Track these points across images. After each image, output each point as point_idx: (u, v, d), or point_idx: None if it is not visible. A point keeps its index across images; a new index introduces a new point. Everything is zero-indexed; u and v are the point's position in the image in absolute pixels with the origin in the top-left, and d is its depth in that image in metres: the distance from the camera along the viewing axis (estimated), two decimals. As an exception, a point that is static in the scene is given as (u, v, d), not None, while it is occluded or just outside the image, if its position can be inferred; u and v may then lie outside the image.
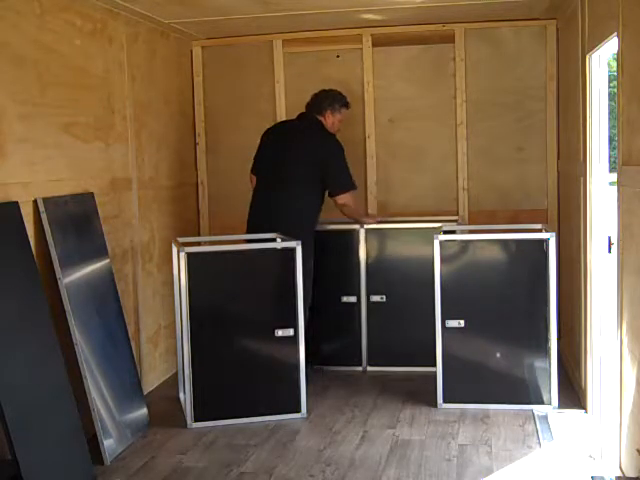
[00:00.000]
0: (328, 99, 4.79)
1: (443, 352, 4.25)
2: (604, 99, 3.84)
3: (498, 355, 4.22)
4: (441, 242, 4.22)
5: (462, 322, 4.23)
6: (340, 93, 4.84)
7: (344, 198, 4.69)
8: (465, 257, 4.28)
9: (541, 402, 4.20)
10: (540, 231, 4.41)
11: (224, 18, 4.84)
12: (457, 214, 5.30)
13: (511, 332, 4.23)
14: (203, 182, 5.64)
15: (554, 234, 4.16)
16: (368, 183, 5.44)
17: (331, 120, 4.79)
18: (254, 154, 4.92)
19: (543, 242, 4.15)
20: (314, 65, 5.48)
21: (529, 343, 4.21)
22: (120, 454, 3.75)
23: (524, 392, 4.22)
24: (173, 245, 4.41)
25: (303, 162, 4.68)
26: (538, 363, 4.19)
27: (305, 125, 4.79)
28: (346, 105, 4.85)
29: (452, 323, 4.23)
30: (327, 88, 4.88)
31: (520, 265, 4.26)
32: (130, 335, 4.26)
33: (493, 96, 5.28)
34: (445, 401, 4.28)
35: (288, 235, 4.35)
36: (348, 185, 4.70)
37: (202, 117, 5.61)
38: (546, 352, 4.17)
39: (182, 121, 5.44)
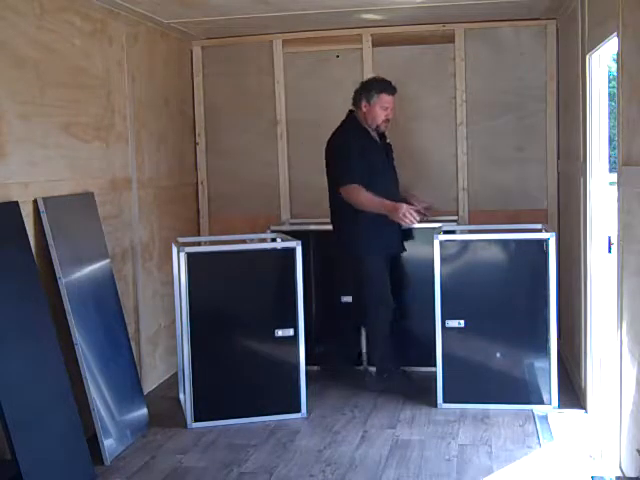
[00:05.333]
0: (361, 89, 4.48)
1: (443, 352, 4.26)
2: (604, 99, 3.84)
3: (498, 355, 4.22)
4: (441, 242, 4.23)
5: (462, 322, 4.24)
6: (378, 79, 4.51)
7: (343, 194, 4.39)
8: (465, 257, 4.28)
9: (541, 402, 4.20)
10: (540, 231, 4.41)
11: (224, 18, 4.84)
12: (457, 214, 5.30)
13: (511, 332, 4.22)
14: (203, 182, 5.64)
15: (554, 234, 4.16)
16: (368, 183, 5.44)
17: (368, 110, 4.44)
18: None
19: (543, 242, 4.15)
20: (314, 65, 5.48)
21: (529, 343, 4.21)
22: (120, 454, 3.75)
23: (524, 392, 4.22)
24: (173, 245, 4.41)
25: (326, 166, 4.61)
26: (538, 363, 4.19)
27: (338, 126, 4.62)
28: (386, 90, 4.42)
29: (452, 323, 4.24)
30: (371, 76, 4.64)
31: (520, 265, 4.25)
32: (130, 335, 4.26)
33: (493, 96, 5.28)
34: (445, 401, 4.28)
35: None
36: (340, 181, 4.40)
37: (202, 117, 5.61)
38: (546, 352, 4.17)
39: (182, 121, 5.44)
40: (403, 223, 4.24)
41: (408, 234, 4.73)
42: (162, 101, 5.08)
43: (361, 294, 4.58)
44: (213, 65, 5.58)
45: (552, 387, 4.18)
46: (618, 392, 3.20)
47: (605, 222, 3.79)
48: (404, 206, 4.22)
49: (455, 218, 5.19)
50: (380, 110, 4.45)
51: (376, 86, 4.45)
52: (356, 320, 4.80)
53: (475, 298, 4.25)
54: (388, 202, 4.29)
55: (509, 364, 4.22)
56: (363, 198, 4.31)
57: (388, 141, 4.70)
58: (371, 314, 4.54)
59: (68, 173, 3.90)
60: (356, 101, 4.51)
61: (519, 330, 4.22)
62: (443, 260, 4.22)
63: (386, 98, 4.45)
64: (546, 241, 4.14)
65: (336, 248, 4.65)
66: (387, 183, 4.51)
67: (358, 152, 4.40)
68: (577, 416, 4.08)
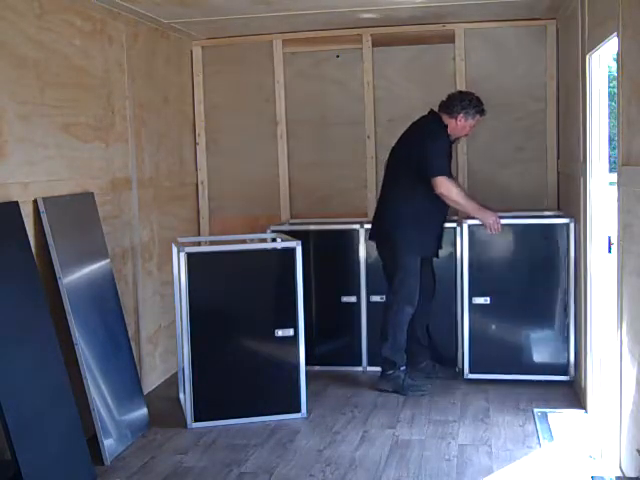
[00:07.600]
0: (463, 102, 4.57)
1: (470, 326, 4.61)
2: (604, 99, 3.84)
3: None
4: (469, 226, 4.58)
5: (488, 299, 4.57)
6: (477, 98, 4.62)
7: (436, 182, 4.43)
8: (490, 240, 4.58)
9: (559, 374, 4.57)
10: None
11: (224, 18, 4.84)
12: (457, 214, 5.29)
13: (533, 308, 4.59)
14: (203, 182, 5.64)
15: (574, 219, 4.40)
16: (368, 183, 5.44)
17: (461, 124, 4.57)
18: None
19: (564, 226, 4.46)
20: (314, 65, 5.48)
21: (550, 318, 4.57)
22: (120, 454, 3.75)
23: (544, 364, 4.59)
24: (173, 245, 4.41)
25: (401, 159, 4.65)
26: (557, 337, 4.57)
27: (416, 123, 4.67)
28: (481, 112, 4.63)
29: (478, 300, 4.57)
30: (464, 90, 4.81)
31: (542, 248, 4.58)
32: (130, 335, 4.26)
33: (493, 96, 5.26)
34: (471, 372, 4.64)
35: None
36: (434, 170, 4.44)
37: (202, 117, 5.61)
38: (565, 327, 4.55)
39: (182, 121, 5.44)
40: (488, 229, 4.53)
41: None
42: (162, 101, 5.08)
43: (391, 287, 4.60)
44: (213, 65, 5.58)
45: (570, 360, 4.55)
46: (618, 392, 3.20)
47: (605, 222, 3.79)
48: (497, 215, 4.54)
49: (455, 218, 5.18)
50: (469, 127, 4.64)
51: (479, 107, 4.61)
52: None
53: (500, 277, 4.59)
54: (480, 205, 4.58)
55: (530, 338, 4.56)
56: (456, 194, 4.50)
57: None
58: (395, 310, 4.55)
59: (68, 173, 3.90)
60: (451, 109, 4.57)
61: (541, 306, 4.58)
62: (470, 243, 4.59)
63: (479, 119, 4.67)
64: (567, 225, 4.47)
65: (375, 237, 4.73)
66: None
67: (446, 150, 4.59)
68: (577, 416, 4.08)
